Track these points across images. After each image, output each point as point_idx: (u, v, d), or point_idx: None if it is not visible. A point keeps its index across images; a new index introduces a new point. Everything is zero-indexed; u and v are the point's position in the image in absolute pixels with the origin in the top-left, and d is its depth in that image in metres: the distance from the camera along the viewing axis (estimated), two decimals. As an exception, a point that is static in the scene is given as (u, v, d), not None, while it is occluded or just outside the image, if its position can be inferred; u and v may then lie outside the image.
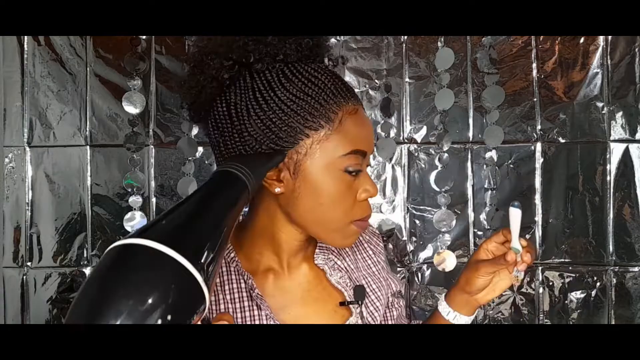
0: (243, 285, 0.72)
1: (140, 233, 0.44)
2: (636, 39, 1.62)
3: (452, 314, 0.80)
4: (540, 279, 1.65)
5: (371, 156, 1.64)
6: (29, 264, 1.67)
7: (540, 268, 1.65)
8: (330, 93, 0.68)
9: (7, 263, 1.67)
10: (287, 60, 0.70)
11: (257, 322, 0.70)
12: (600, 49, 1.63)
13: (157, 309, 0.41)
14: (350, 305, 0.77)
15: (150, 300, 0.41)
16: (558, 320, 1.65)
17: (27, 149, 1.67)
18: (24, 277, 1.67)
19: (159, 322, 0.40)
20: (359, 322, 0.77)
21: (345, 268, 0.81)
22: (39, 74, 1.67)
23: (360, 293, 0.78)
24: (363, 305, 0.78)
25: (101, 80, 1.67)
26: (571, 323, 1.64)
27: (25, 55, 1.67)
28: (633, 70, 1.63)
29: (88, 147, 1.67)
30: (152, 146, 1.67)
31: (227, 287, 0.72)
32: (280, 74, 0.69)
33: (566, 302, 1.65)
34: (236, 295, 0.71)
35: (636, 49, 1.62)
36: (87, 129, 1.67)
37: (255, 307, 0.71)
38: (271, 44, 0.70)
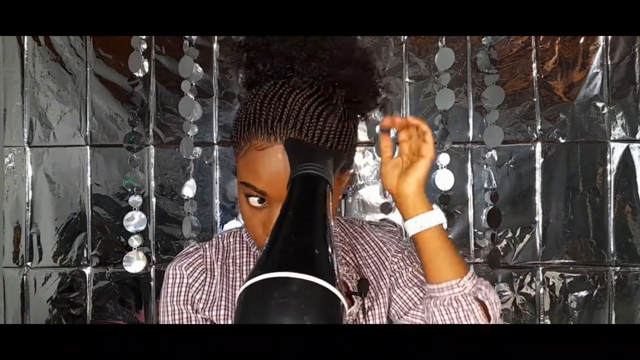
0: None
1: (283, 267, 0.44)
2: (636, 39, 1.62)
3: (412, 223, 0.74)
4: (541, 279, 1.65)
5: (372, 156, 1.63)
6: (29, 264, 1.67)
7: (540, 268, 1.65)
8: (248, 122, 0.67)
9: (7, 263, 1.68)
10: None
11: None
12: (600, 49, 1.63)
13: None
14: (353, 296, 0.78)
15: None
16: (558, 320, 1.65)
17: (27, 149, 1.67)
18: (24, 277, 1.67)
19: None
20: (360, 313, 0.78)
21: (355, 263, 0.82)
22: (39, 74, 1.67)
23: (364, 286, 0.79)
24: (367, 299, 0.79)
25: (101, 80, 1.67)
26: (571, 323, 1.64)
27: (25, 55, 1.67)
28: (633, 70, 1.63)
29: (88, 147, 1.67)
30: (152, 146, 1.67)
31: (244, 268, 0.78)
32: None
33: (567, 302, 1.65)
34: None
35: (636, 49, 1.62)
36: (87, 129, 1.67)
37: None
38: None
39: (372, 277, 0.82)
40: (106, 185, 1.68)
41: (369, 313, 0.80)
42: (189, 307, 0.75)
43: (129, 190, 1.64)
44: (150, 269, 1.66)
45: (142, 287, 1.67)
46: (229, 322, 0.74)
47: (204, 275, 0.77)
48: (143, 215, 1.65)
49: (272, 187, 0.65)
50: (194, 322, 0.74)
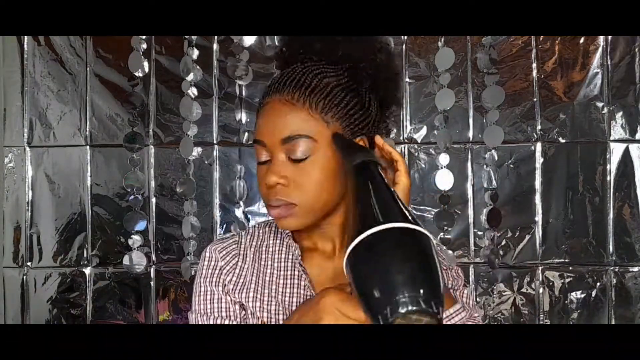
0: (290, 256, 0.82)
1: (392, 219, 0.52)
2: (636, 39, 1.62)
3: None
4: (541, 279, 1.65)
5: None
6: (29, 264, 1.67)
7: (540, 268, 1.65)
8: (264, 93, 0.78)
9: (7, 263, 1.68)
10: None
11: (296, 291, 0.79)
12: (600, 49, 1.63)
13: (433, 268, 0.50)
14: None
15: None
16: (558, 320, 1.65)
17: (27, 149, 1.67)
18: (24, 277, 1.67)
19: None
20: None
21: None
22: (39, 74, 1.67)
23: None
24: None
25: (101, 80, 1.67)
26: (571, 323, 1.64)
27: (25, 55, 1.67)
28: (633, 70, 1.63)
29: (88, 147, 1.67)
30: (152, 146, 1.67)
31: (276, 256, 0.82)
32: None
33: (566, 302, 1.65)
34: (283, 263, 0.81)
35: (636, 49, 1.62)
36: (87, 129, 1.67)
37: (297, 277, 0.80)
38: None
39: None
40: (106, 185, 1.68)
41: None
42: (220, 288, 0.79)
43: (129, 190, 1.64)
44: (150, 269, 1.66)
45: (142, 287, 1.67)
46: (257, 303, 0.77)
47: (236, 259, 0.81)
48: (144, 215, 1.65)
49: (268, 135, 0.73)
50: (224, 303, 0.79)
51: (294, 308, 0.77)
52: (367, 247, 0.51)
